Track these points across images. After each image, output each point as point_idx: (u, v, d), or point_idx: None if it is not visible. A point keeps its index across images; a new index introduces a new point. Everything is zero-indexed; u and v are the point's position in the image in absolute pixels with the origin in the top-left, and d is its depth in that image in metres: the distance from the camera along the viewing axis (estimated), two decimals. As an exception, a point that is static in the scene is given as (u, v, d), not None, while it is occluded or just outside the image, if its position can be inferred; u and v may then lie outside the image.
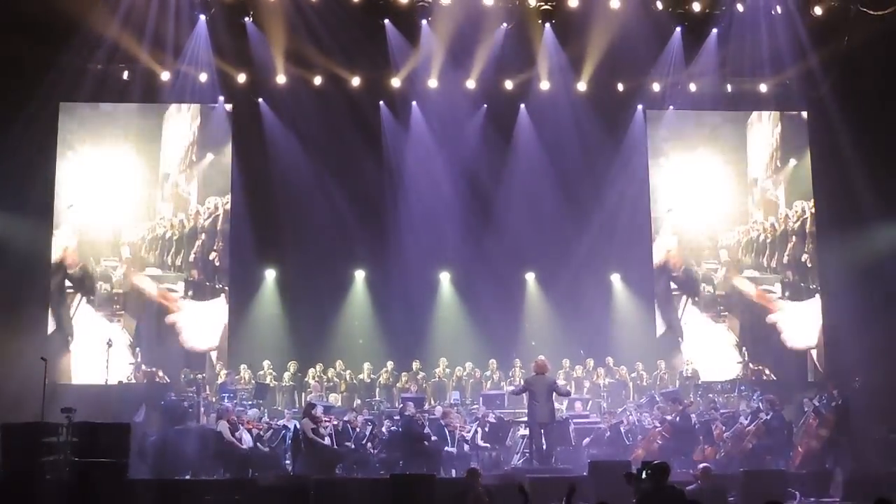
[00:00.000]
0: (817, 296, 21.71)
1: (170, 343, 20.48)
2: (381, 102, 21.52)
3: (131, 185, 20.96)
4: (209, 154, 21.23)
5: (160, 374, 19.64)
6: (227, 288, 20.95)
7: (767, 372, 21.26)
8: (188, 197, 21.09)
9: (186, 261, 20.88)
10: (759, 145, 22.35)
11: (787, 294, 21.86)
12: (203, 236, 21.02)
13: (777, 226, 22.08)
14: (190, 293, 20.81)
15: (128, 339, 20.32)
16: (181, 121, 21.24)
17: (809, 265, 21.88)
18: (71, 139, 20.83)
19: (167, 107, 21.07)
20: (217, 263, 20.96)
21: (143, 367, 19.70)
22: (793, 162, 22.23)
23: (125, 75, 20.50)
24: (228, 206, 21.14)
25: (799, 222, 22.08)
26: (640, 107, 22.07)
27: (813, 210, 21.95)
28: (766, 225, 22.10)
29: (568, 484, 10.83)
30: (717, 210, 22.17)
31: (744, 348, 21.28)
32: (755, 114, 22.38)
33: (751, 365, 21.06)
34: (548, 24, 20.46)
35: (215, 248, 20.99)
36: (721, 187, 22.26)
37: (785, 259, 21.96)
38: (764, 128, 22.39)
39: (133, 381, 19.39)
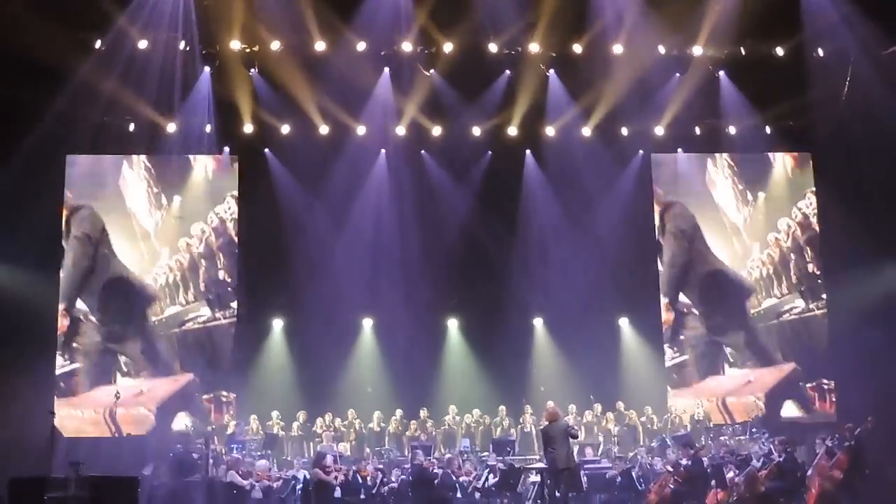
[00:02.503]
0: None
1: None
2: (383, 150, 21.63)
3: (134, 235, 21.13)
4: (175, 196, 21.29)
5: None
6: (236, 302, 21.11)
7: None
8: (176, 231, 21.21)
9: (198, 291, 21.00)
10: (724, 186, 22.41)
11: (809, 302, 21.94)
12: (203, 262, 21.11)
13: (773, 254, 22.08)
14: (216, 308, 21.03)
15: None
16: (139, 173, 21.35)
17: (818, 272, 21.96)
18: (77, 192, 20.94)
19: (169, 158, 21.23)
20: (228, 280, 21.11)
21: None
22: (762, 195, 22.31)
23: (130, 127, 20.67)
24: (215, 224, 21.23)
25: (790, 239, 22.12)
26: (640, 151, 22.13)
27: (799, 223, 22.09)
28: (762, 259, 22.10)
29: None
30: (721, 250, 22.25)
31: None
32: (711, 159, 22.44)
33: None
34: (552, 71, 20.60)
35: (220, 266, 21.12)
36: (724, 229, 22.33)
37: (794, 279, 22.00)
38: (724, 170, 22.49)
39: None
